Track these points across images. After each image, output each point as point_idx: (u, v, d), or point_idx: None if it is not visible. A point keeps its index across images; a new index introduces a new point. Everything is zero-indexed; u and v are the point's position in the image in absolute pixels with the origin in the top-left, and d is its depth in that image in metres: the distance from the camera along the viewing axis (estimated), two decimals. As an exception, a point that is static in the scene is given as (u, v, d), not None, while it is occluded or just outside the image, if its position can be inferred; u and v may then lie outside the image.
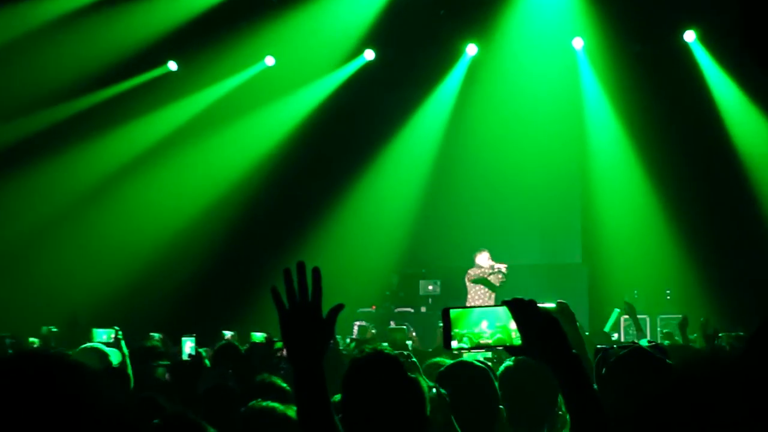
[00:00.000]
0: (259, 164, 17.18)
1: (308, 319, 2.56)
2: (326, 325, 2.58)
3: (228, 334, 11.69)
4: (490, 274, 14.25)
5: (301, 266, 2.57)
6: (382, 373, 2.93)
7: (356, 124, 17.31)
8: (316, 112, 17.28)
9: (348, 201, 17.30)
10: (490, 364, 5.33)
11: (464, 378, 3.99)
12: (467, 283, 14.42)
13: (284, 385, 5.04)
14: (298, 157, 17.10)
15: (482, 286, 14.28)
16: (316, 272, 2.57)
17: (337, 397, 3.08)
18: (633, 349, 3.48)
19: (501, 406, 3.94)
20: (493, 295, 14.20)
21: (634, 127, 15.85)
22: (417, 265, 17.47)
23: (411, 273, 17.42)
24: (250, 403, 4.14)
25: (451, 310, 2.60)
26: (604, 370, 3.46)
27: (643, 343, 3.81)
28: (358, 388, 2.95)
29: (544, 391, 3.89)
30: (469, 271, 14.44)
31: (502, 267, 14.27)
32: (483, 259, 14.44)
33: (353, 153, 17.38)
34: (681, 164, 15.45)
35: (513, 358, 4.13)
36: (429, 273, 17.31)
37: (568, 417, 2.70)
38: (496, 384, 4.00)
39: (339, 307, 2.59)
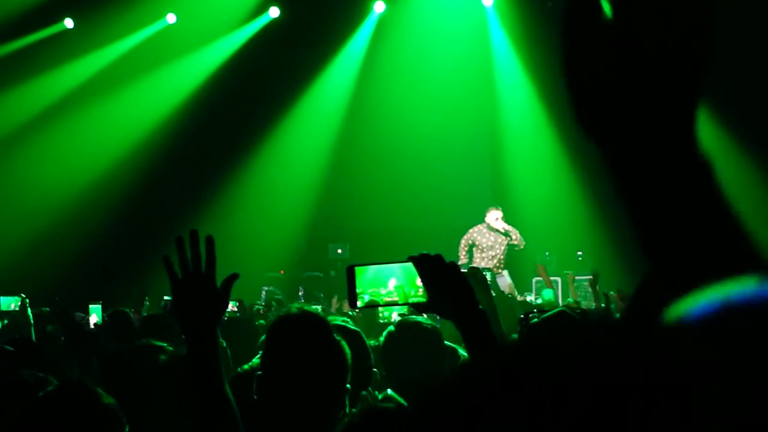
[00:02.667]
0: (161, 125, 16.76)
1: (201, 288, 2.56)
2: (220, 295, 2.59)
3: None
4: (504, 234, 13.34)
5: (194, 235, 2.57)
6: (309, 332, 2.81)
7: (261, 84, 16.94)
8: (219, 71, 16.92)
9: (255, 162, 17.07)
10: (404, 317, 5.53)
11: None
12: (463, 248, 13.67)
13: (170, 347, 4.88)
14: (202, 118, 16.73)
15: (498, 247, 13.48)
16: (210, 241, 2.58)
17: (256, 361, 3.17)
18: (557, 312, 3.50)
19: (375, 369, 3.87)
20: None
21: (545, 86, 15.76)
22: (325, 229, 17.27)
23: (319, 236, 17.20)
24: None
25: (356, 268, 2.62)
26: (524, 330, 3.49)
27: (548, 293, 3.85)
28: (283, 345, 2.82)
29: (428, 354, 3.99)
30: (471, 231, 13.63)
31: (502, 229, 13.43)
32: (492, 218, 13.50)
33: (258, 114, 17.05)
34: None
35: (396, 322, 4.27)
36: (337, 236, 17.17)
37: None
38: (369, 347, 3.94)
39: (233, 277, 2.62)
